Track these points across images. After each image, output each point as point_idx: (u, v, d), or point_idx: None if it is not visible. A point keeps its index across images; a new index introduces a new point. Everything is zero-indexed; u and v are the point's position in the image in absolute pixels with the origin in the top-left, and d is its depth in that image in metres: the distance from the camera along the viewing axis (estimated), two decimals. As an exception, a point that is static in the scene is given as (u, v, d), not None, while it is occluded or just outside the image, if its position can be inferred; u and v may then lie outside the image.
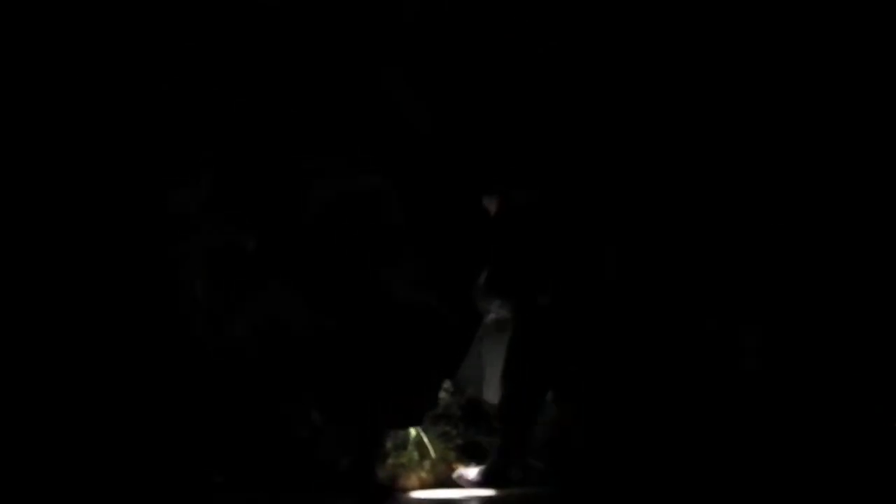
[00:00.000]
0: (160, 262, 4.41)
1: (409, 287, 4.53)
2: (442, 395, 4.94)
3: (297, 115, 4.82)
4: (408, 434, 4.73)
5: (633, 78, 4.76)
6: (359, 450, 4.48)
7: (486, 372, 5.07)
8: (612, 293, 4.72)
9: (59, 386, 4.25)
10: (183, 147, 4.59)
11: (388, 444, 4.67)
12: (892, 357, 4.57)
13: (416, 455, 4.73)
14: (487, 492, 4.57)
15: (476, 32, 4.90)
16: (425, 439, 4.77)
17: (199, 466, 4.28)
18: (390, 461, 4.64)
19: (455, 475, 4.69)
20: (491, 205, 4.87)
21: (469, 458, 4.84)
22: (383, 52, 4.94)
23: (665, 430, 4.57)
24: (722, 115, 4.72)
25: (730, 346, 4.66)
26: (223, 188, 4.53)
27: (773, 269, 4.70)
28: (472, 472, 4.69)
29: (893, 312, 4.61)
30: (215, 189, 4.53)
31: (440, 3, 4.92)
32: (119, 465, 4.18)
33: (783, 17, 4.55)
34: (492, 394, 4.97)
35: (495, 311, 5.07)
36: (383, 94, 4.94)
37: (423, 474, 4.70)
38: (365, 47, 4.92)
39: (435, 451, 4.77)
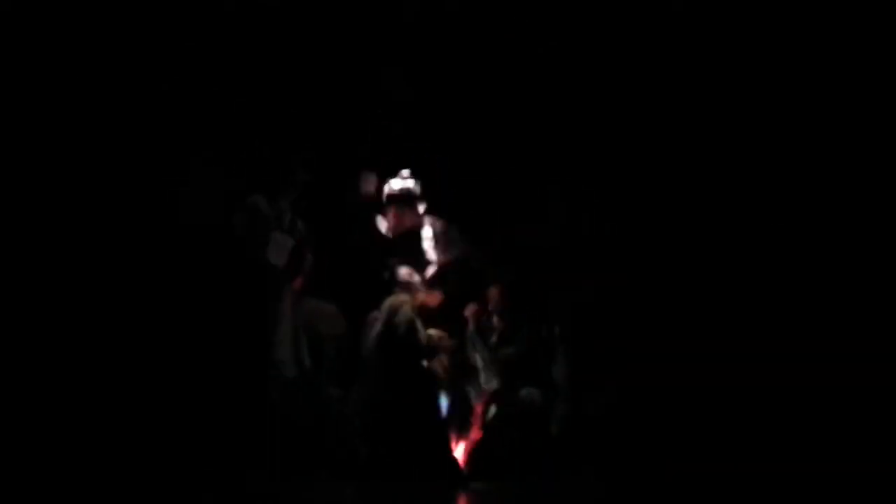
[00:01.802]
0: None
1: None
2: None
3: (297, 115, 4.85)
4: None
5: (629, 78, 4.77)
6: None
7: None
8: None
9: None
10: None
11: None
12: None
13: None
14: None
15: (476, 32, 4.91)
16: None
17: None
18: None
19: None
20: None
21: None
22: (383, 52, 4.96)
23: None
24: (722, 117, 4.70)
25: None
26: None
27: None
28: None
29: None
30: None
31: (440, 3, 4.93)
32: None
33: (780, 19, 4.54)
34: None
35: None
36: (383, 94, 4.98)
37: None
38: (365, 47, 4.95)
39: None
